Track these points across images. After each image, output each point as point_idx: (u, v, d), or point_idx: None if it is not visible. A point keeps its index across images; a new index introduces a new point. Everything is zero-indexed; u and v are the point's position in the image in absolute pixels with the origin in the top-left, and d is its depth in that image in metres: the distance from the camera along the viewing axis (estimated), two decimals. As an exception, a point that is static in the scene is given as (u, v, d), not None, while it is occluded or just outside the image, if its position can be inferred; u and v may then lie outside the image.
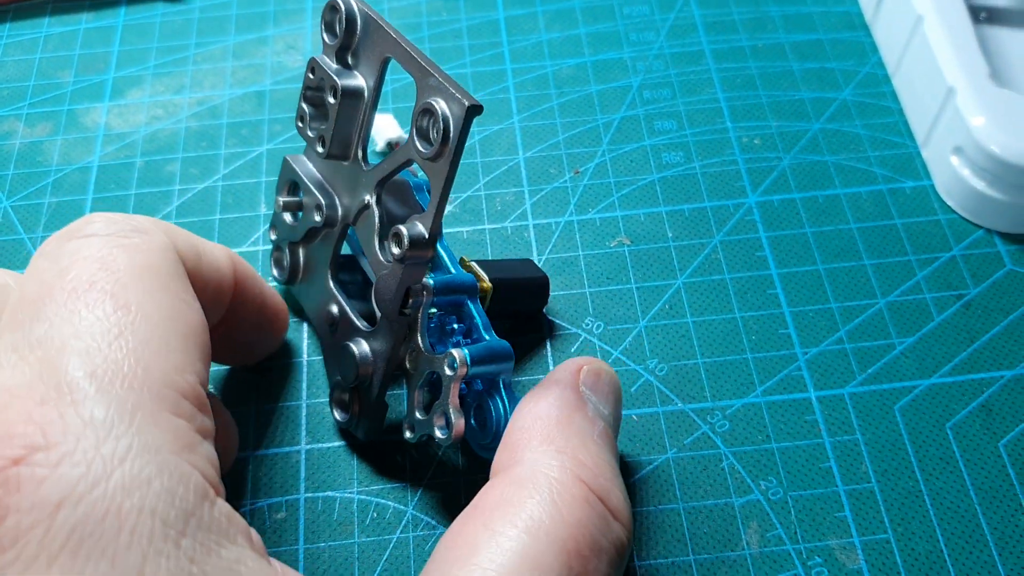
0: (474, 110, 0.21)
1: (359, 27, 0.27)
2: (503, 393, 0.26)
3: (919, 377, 0.34)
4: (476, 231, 0.38)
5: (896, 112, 0.42)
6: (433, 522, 0.31)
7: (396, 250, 0.24)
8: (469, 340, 0.27)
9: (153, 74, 0.44)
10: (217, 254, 0.25)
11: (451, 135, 0.22)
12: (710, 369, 0.35)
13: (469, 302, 0.28)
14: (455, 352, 0.25)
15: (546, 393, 0.25)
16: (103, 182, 0.39)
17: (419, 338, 0.26)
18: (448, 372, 0.25)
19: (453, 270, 0.28)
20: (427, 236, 0.24)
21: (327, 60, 0.29)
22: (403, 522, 0.31)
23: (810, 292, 0.37)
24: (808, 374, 0.35)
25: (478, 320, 0.27)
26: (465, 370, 0.25)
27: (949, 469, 0.32)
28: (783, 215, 0.39)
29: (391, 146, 0.39)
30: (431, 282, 0.26)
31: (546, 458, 0.22)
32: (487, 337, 0.27)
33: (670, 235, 0.37)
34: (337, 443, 0.32)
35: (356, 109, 0.28)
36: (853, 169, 0.40)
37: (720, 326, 0.36)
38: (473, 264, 0.31)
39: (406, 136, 0.37)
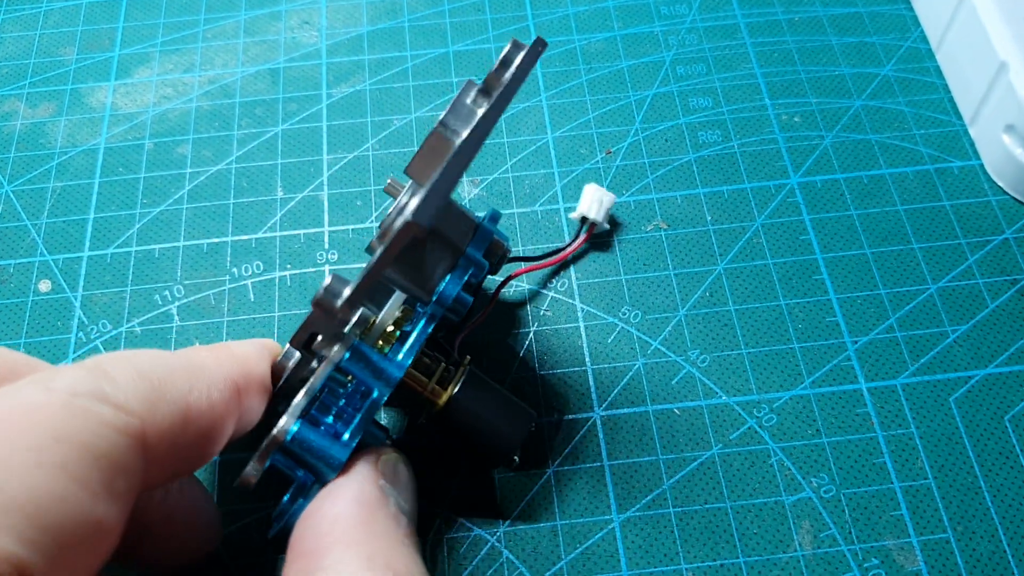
0: (410, 227, 0.20)
1: None
2: (303, 493, 0.24)
3: (974, 367, 0.33)
4: (504, 216, 0.36)
5: (941, 88, 0.40)
6: (468, 523, 0.29)
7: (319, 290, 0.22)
8: (336, 422, 0.25)
9: (161, 51, 0.42)
10: (216, 409, 0.21)
11: (391, 233, 0.21)
12: (755, 360, 0.33)
13: (376, 392, 0.25)
14: (283, 420, 0.23)
15: (343, 490, 0.22)
16: (110, 165, 0.37)
17: (305, 386, 0.24)
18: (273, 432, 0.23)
19: (400, 357, 0.25)
20: (341, 300, 0.22)
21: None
22: (435, 525, 0.30)
23: (857, 277, 0.35)
24: (858, 364, 0.33)
25: (358, 415, 0.24)
26: (279, 439, 0.23)
27: (1009, 464, 0.31)
28: (827, 197, 0.37)
29: (581, 221, 0.35)
30: (354, 344, 0.24)
31: (352, 567, 0.19)
32: (344, 437, 0.24)
33: (709, 218, 0.36)
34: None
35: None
36: (898, 148, 0.38)
37: (764, 314, 0.34)
38: (463, 370, 0.27)
39: (600, 222, 0.34)
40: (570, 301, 0.34)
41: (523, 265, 0.34)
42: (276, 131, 0.38)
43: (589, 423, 0.31)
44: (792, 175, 0.38)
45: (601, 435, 0.31)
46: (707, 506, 0.30)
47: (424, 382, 0.27)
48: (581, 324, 0.34)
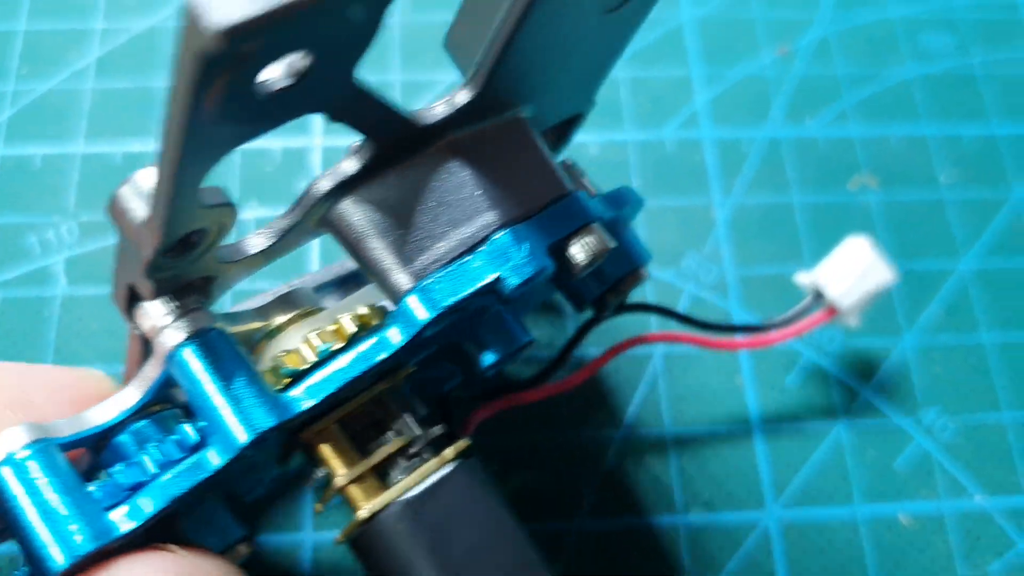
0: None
1: None
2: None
3: None
4: (612, 145, 0.24)
5: None
6: None
7: None
8: (139, 470, 0.14)
9: None
10: None
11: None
12: (1029, 433, 0.21)
13: (210, 448, 0.14)
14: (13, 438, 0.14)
15: None
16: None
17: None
18: None
19: (301, 390, 0.14)
20: (141, 209, 0.13)
21: None
22: None
23: None
24: None
25: (164, 476, 0.14)
26: None
27: None
28: None
29: (815, 294, 0.20)
30: (205, 336, 0.14)
31: None
32: (112, 513, 0.14)
33: (942, 179, 0.24)
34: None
35: None
36: None
37: (1040, 352, 0.22)
38: (449, 457, 0.14)
39: (849, 313, 0.20)
40: (718, 305, 0.21)
41: (675, 327, 0.19)
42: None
43: (756, 531, 0.20)
44: (1073, 117, 0.24)
45: (777, 553, 0.19)
46: None
47: (348, 456, 0.14)
48: (739, 352, 0.21)
